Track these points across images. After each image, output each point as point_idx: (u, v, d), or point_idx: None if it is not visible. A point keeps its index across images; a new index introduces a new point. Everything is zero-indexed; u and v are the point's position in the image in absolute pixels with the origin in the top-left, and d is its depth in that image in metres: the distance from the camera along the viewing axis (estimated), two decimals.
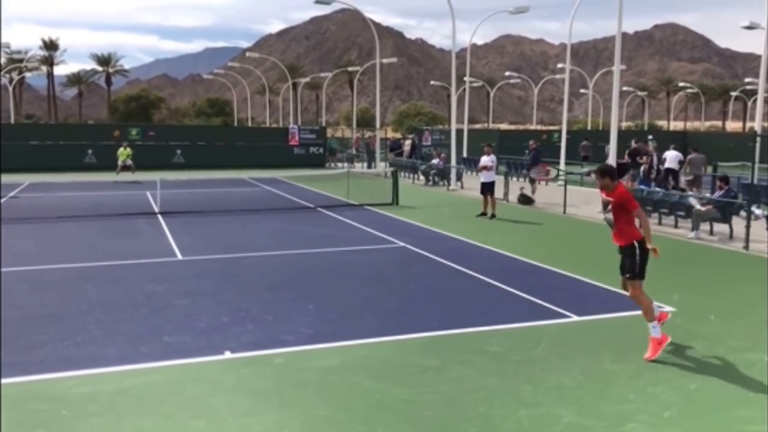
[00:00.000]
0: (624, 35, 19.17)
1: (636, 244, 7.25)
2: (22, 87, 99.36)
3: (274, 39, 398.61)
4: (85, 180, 26.03)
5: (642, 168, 19.20)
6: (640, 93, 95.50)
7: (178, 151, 35.75)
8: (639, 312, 8.83)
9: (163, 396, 6.05)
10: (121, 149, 29.95)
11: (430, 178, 27.94)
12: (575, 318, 8.52)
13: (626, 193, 7.37)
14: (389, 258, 12.40)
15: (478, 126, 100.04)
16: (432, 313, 8.75)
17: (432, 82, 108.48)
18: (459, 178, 26.90)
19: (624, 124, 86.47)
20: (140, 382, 6.37)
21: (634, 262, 7.24)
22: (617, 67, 18.38)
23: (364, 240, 14.31)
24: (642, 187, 18.46)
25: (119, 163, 29.40)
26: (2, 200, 20.72)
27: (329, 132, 45.83)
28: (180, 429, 5.43)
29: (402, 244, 13.71)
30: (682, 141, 41.42)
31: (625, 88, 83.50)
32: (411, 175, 29.93)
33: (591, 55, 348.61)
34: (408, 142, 39.61)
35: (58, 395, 6.01)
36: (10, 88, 69.72)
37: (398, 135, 62.71)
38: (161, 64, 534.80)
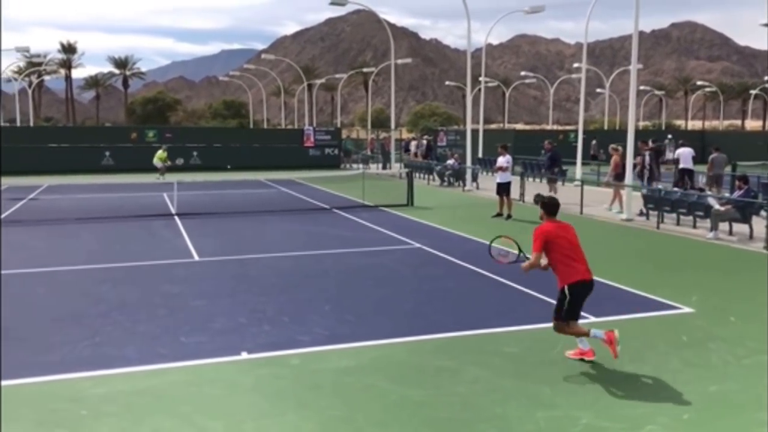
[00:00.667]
0: (641, 34, 19.02)
1: (566, 289, 6.50)
2: (41, 90, 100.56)
3: (289, 41, 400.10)
4: (103, 182, 26.27)
5: (637, 169, 19.08)
6: (657, 92, 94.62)
7: (195, 153, 35.97)
8: (657, 313, 8.79)
9: (180, 397, 6.08)
10: (160, 151, 29.97)
11: (445, 178, 27.88)
12: (592, 319, 8.45)
13: (538, 233, 6.60)
14: (404, 259, 12.38)
15: (493, 126, 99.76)
16: (448, 315, 8.72)
17: (447, 83, 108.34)
18: (474, 178, 26.83)
19: (641, 124, 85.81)
20: (157, 382, 6.41)
21: (559, 307, 6.63)
22: (634, 66, 18.23)
23: (379, 241, 14.31)
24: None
25: (160, 165, 29.37)
26: (22, 202, 20.97)
27: (344, 133, 45.86)
28: (197, 430, 5.45)
29: (417, 245, 13.69)
30: (701, 140, 41.06)
31: (642, 88, 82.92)
32: (426, 176, 29.89)
33: (607, 54, 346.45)
34: (414, 143, 39.44)
35: (77, 395, 6.06)
36: (30, 91, 70.53)
37: (413, 135, 62.63)
38: (177, 67, 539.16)
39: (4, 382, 6.30)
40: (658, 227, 16.20)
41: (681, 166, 21.87)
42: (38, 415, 5.67)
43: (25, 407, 5.82)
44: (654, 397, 6.04)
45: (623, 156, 18.76)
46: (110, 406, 5.84)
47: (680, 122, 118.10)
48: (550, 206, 6.81)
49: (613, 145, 20.26)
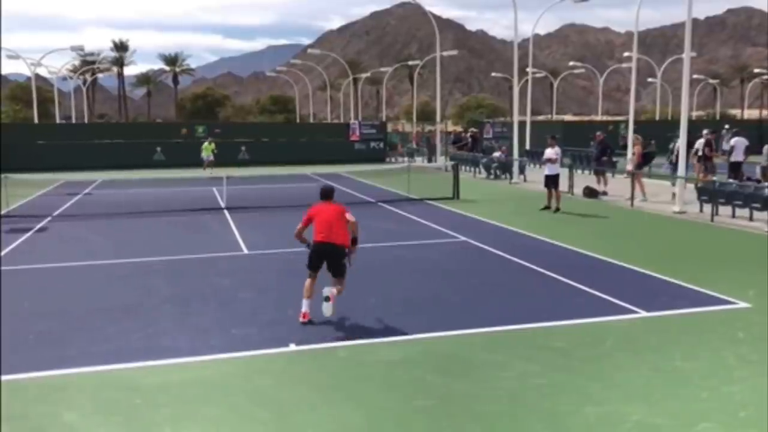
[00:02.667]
0: (694, 21, 18.44)
1: (311, 244, 8.61)
2: (95, 88, 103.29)
3: (335, 35, 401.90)
4: (155, 177, 26.87)
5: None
6: (711, 81, 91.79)
7: (243, 148, 36.47)
8: (712, 308, 8.57)
9: (230, 387, 6.20)
10: (206, 144, 30.62)
11: (492, 171, 27.65)
12: (643, 314, 8.28)
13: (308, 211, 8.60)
14: (451, 253, 12.34)
15: (541, 118, 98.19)
16: (494, 308, 8.67)
17: (493, 74, 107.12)
18: (522, 171, 26.51)
19: (694, 114, 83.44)
20: (209, 373, 6.55)
21: (309, 256, 8.56)
22: (687, 55, 17.71)
23: (425, 234, 14.29)
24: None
25: (205, 158, 29.97)
26: (77, 197, 21.63)
27: (389, 127, 45.80)
28: (247, 420, 5.55)
29: (463, 238, 13.62)
30: (758, 130, 39.68)
31: (695, 76, 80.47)
32: (472, 169, 29.69)
33: (659, 42, 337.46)
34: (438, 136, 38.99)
35: (132, 384, 6.24)
36: (84, 89, 72.61)
37: (458, 128, 62.19)
38: (226, 63, 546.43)
39: (69, 370, 6.54)
40: (712, 219, 15.75)
41: (732, 159, 20.81)
42: (95, 403, 5.86)
43: (83, 395, 6.02)
44: (709, 394, 5.89)
45: (645, 146, 18.76)
46: (164, 396, 5.99)
47: (736, 112, 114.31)
48: (322, 192, 8.66)
49: (635, 135, 20.36)
